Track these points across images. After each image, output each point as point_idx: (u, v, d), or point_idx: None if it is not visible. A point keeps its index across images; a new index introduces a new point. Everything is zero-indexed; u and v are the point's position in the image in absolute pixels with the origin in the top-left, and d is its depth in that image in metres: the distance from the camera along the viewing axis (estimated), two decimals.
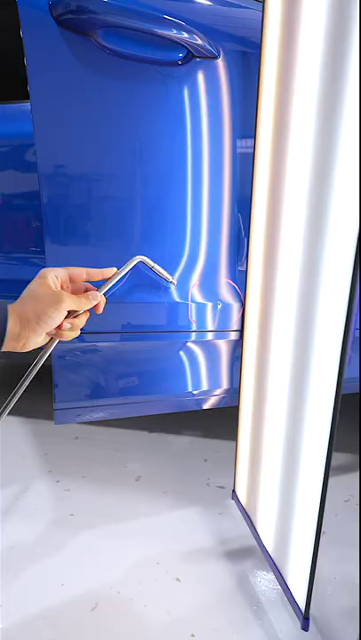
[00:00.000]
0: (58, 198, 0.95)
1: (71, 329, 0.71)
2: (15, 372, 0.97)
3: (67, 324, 0.70)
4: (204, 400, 1.21)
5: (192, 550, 1.11)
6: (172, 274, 1.03)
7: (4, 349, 0.63)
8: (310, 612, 0.86)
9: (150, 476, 1.39)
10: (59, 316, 0.66)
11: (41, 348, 0.72)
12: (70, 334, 0.71)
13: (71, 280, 0.72)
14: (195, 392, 1.16)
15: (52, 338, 0.72)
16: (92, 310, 0.74)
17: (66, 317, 0.69)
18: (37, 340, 0.67)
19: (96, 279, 0.76)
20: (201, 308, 1.06)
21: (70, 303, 0.68)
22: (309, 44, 0.73)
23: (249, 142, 1.01)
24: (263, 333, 0.97)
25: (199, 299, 1.06)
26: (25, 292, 0.67)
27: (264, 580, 1.02)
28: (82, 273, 0.73)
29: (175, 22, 0.90)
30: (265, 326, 0.96)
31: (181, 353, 1.12)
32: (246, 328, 1.06)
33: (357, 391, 1.26)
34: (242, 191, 1.04)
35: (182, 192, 1.00)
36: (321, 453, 0.77)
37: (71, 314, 0.71)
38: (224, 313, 1.08)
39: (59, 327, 0.69)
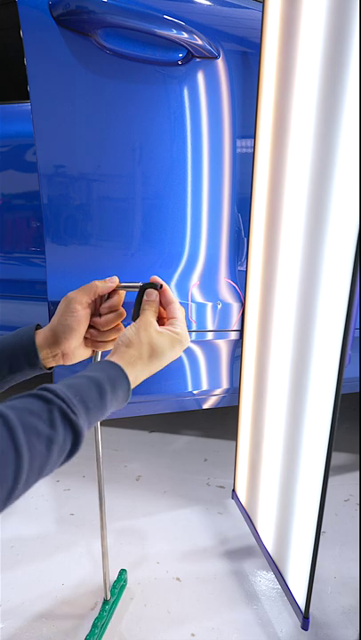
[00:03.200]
0: (58, 198, 0.95)
1: (107, 336, 0.69)
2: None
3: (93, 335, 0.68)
4: (204, 400, 1.21)
5: (192, 550, 1.11)
6: (172, 274, 1.03)
7: (49, 365, 0.65)
8: (310, 611, 0.86)
9: (150, 476, 1.39)
10: (75, 314, 0.65)
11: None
12: (108, 345, 0.70)
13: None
14: (195, 392, 1.16)
15: (94, 351, 0.71)
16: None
17: (96, 317, 0.69)
18: (75, 350, 0.66)
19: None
20: (201, 308, 1.06)
21: (77, 295, 0.66)
22: (309, 44, 0.73)
23: (249, 142, 1.01)
24: (263, 333, 0.97)
25: (199, 299, 1.06)
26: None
27: (264, 580, 1.02)
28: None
29: (175, 22, 0.90)
30: (265, 326, 0.96)
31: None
32: (246, 328, 1.06)
33: (357, 391, 1.26)
34: (242, 191, 1.04)
35: (182, 192, 1.00)
36: (321, 453, 0.77)
37: (97, 310, 0.69)
38: (224, 313, 1.08)
39: (92, 332, 0.68)
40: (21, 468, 0.41)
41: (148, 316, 0.64)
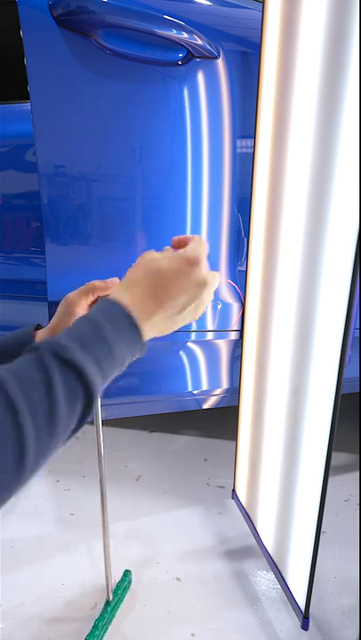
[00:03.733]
0: (58, 198, 0.95)
1: None
2: None
3: None
4: (204, 400, 1.21)
5: (192, 550, 1.11)
6: None
7: None
8: (310, 611, 0.86)
9: (150, 476, 1.39)
10: (75, 316, 0.62)
11: None
12: None
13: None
14: (195, 392, 1.16)
15: None
16: None
17: None
18: None
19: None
20: None
21: (76, 297, 0.63)
22: (309, 44, 0.73)
23: (249, 142, 1.01)
24: (263, 333, 0.97)
25: None
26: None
27: (264, 580, 1.02)
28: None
29: (175, 22, 0.90)
30: (265, 326, 0.96)
31: (181, 353, 1.12)
32: (246, 328, 1.06)
33: (357, 391, 1.26)
34: (242, 191, 1.04)
35: (182, 192, 1.00)
36: (321, 453, 0.77)
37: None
38: (224, 313, 1.08)
39: None
40: (21, 422, 0.37)
41: (150, 251, 0.56)
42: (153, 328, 0.52)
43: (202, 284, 0.53)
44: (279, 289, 0.88)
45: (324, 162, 0.72)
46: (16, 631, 0.90)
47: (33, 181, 1.16)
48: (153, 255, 0.54)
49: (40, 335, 0.63)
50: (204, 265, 0.54)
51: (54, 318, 0.64)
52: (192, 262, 0.53)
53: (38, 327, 0.66)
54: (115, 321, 0.48)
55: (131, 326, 0.49)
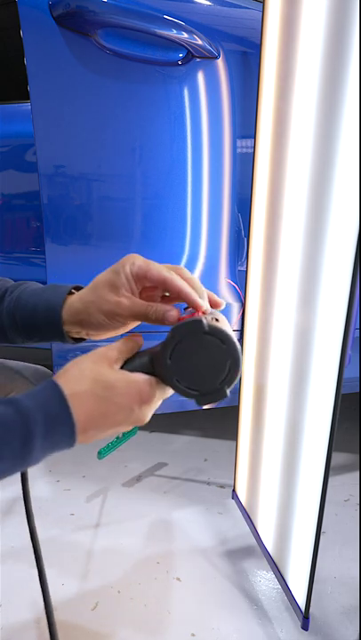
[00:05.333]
0: (58, 198, 0.95)
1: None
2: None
3: None
4: None
5: (192, 550, 1.11)
6: None
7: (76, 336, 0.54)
8: (310, 611, 0.86)
9: (150, 476, 1.39)
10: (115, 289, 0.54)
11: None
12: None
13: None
14: None
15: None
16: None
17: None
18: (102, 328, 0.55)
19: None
20: None
21: (143, 267, 0.53)
22: (309, 44, 0.73)
23: (249, 142, 1.01)
24: (263, 333, 0.97)
25: None
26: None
27: (264, 580, 1.02)
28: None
29: (175, 22, 0.90)
30: (265, 326, 0.96)
31: None
32: (246, 328, 1.06)
33: (357, 391, 1.26)
34: (242, 191, 1.04)
35: (182, 192, 1.00)
36: (321, 453, 0.77)
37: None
38: (224, 313, 1.08)
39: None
40: None
41: (107, 349, 0.48)
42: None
43: (134, 423, 0.47)
44: (279, 289, 0.88)
45: (324, 162, 0.72)
46: (16, 631, 0.90)
47: (33, 181, 1.16)
48: (105, 369, 0.45)
49: (70, 305, 0.53)
50: (153, 407, 0.48)
51: (102, 277, 0.53)
52: (144, 400, 0.46)
53: (78, 287, 0.56)
54: (53, 433, 0.41)
55: (67, 441, 0.43)
